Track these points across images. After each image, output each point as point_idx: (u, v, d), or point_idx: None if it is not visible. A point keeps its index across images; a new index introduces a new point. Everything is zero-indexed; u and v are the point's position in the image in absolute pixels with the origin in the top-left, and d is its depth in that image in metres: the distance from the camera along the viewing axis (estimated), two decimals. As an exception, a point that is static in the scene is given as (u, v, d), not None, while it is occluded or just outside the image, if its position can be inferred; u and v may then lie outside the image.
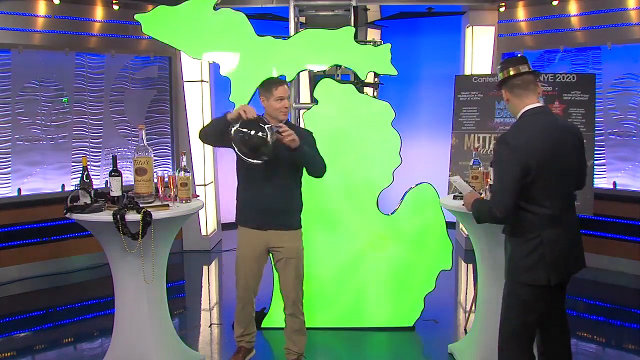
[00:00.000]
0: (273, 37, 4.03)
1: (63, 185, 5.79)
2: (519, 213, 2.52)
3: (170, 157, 6.62)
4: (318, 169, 3.26)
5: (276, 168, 3.18)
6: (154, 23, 3.87)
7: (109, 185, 3.20)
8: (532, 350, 2.69)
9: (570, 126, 2.75)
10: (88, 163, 3.59)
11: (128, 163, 5.94)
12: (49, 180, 5.75)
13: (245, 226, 3.35)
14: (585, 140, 2.72)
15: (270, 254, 3.39)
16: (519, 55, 2.72)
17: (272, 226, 3.28)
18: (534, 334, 2.69)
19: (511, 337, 2.67)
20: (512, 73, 2.62)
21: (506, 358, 2.71)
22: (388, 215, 4.09)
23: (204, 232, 6.61)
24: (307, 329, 3.44)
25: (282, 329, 3.51)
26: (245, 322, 3.47)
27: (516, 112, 2.63)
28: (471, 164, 3.58)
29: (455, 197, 3.54)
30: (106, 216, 2.98)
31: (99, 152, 6.07)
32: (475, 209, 2.69)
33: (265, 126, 2.96)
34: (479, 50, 6.48)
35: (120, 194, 3.14)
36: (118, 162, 3.23)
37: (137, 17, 3.84)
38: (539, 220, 2.51)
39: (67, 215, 3.06)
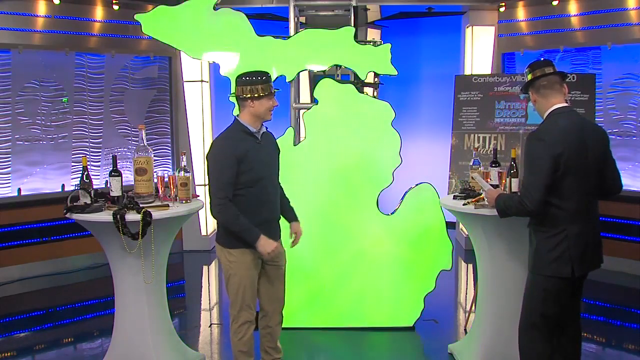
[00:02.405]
0: (273, 37, 4.03)
1: (63, 185, 5.78)
2: (546, 208, 2.60)
3: (170, 157, 6.62)
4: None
5: (275, 170, 3.08)
6: (154, 23, 3.87)
7: (109, 185, 3.20)
8: (551, 345, 2.73)
9: (597, 126, 2.84)
10: (88, 163, 3.60)
11: (128, 163, 5.94)
12: (49, 180, 5.75)
13: (248, 247, 2.92)
14: None
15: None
16: (542, 58, 2.83)
17: (278, 235, 3.06)
18: (553, 329, 2.74)
19: (531, 330, 2.73)
20: (537, 75, 2.72)
21: (526, 351, 2.76)
22: (388, 215, 4.09)
23: (204, 232, 6.61)
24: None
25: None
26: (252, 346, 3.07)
27: (543, 112, 2.74)
28: (471, 164, 3.58)
29: (455, 197, 3.53)
30: (106, 216, 2.99)
31: (99, 152, 6.07)
32: (501, 202, 2.78)
33: None
34: (479, 50, 6.48)
35: (120, 194, 3.15)
36: (118, 162, 3.23)
37: (137, 17, 3.85)
38: (564, 215, 2.61)
39: (67, 215, 3.06)
